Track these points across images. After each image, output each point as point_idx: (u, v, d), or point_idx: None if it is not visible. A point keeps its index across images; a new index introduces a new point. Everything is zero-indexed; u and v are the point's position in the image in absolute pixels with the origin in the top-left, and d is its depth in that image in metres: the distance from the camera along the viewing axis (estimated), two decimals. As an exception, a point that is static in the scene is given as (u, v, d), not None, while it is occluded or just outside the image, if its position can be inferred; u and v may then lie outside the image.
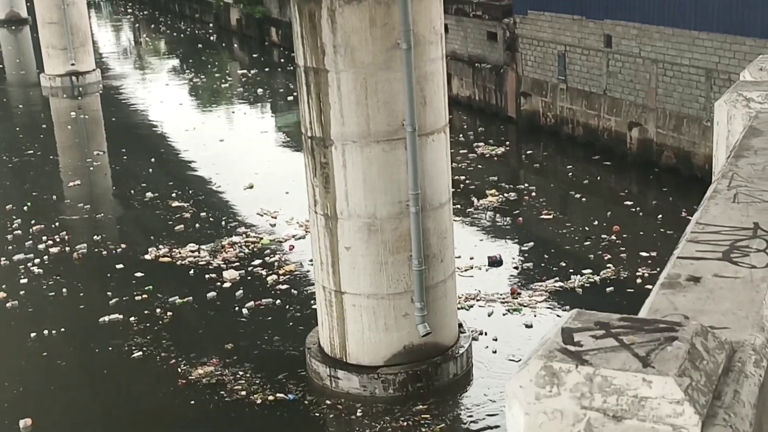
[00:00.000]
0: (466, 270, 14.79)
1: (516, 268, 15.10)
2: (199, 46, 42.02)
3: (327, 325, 11.63)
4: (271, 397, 11.48)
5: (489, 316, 13.42)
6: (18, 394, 12.12)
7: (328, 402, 11.35)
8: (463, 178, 19.97)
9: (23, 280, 15.65)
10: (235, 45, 42.48)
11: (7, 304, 14.68)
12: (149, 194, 20.00)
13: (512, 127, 24.13)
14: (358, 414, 11.08)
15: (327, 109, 10.59)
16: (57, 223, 18.39)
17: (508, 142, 23.06)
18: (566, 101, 22.18)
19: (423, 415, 10.94)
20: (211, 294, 14.64)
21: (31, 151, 24.56)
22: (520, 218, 17.48)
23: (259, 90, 31.56)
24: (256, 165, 21.77)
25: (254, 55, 38.94)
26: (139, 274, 15.49)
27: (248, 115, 29.06)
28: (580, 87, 21.65)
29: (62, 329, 13.69)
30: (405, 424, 10.83)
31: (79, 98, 31.44)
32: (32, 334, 13.51)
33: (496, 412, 11.05)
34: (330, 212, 11.01)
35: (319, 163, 10.91)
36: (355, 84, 10.37)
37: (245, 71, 35.20)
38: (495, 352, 12.47)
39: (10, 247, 17.14)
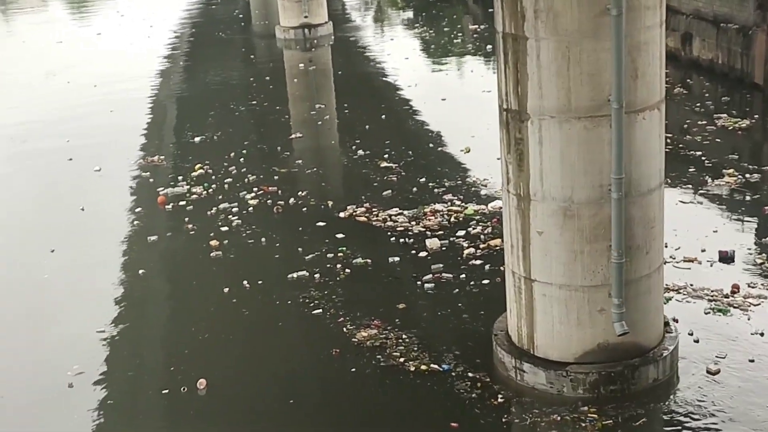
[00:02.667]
0: (682, 261, 13.31)
1: (748, 264, 13.34)
2: (433, -2, 41.51)
3: (515, 312, 10.75)
4: (424, 367, 11.11)
5: (687, 312, 11.97)
6: (202, 340, 12.42)
7: (470, 374, 10.88)
8: (698, 154, 18.14)
9: (224, 228, 15.98)
10: (470, -2, 41.55)
11: (211, 254, 15.00)
12: (360, 152, 19.76)
13: (758, 95, 21.71)
14: (509, 396, 10.45)
15: (524, 80, 9.58)
16: (271, 176, 18.61)
17: (755, 115, 20.70)
18: (824, 70, 19.56)
19: (590, 415, 9.99)
20: (394, 259, 14.22)
21: (256, 102, 25.15)
22: (767, 207, 15.46)
23: (489, 46, 30.54)
24: (476, 127, 20.87)
25: (489, 10, 37.80)
26: (334, 232, 15.34)
27: (475, 72, 28.22)
28: (843, 54, 19.00)
29: (259, 281, 13.81)
30: (558, 418, 9.97)
31: (312, 50, 31.90)
32: (225, 289, 13.66)
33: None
34: (523, 192, 10.05)
35: (514, 138, 9.96)
36: (556, 53, 9.28)
37: (477, 26, 34.28)
38: (697, 341, 11.28)
39: (220, 196, 17.55)
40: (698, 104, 21.60)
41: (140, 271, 14.70)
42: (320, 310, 12.76)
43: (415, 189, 17.31)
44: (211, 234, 15.76)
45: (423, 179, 17.77)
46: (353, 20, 38.52)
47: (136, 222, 16.96)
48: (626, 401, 10.17)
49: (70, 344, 12.55)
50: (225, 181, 18.41)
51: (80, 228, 16.90)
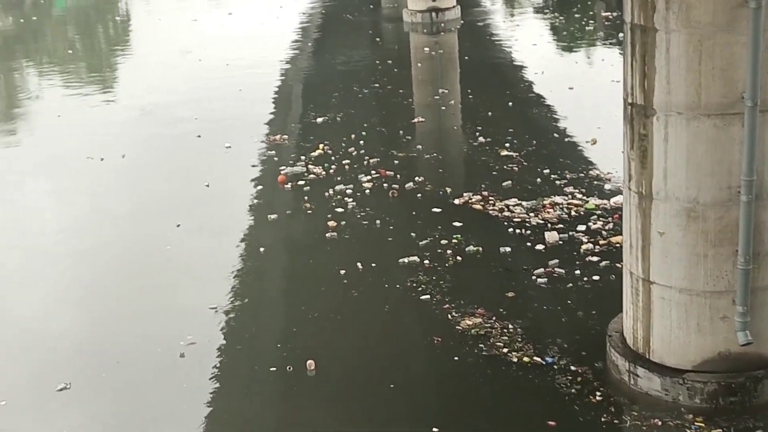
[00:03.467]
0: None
1: None
2: (566, -17, 40.63)
3: (631, 314, 10.38)
4: (527, 359, 10.97)
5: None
6: (311, 319, 12.53)
7: (572, 368, 10.68)
8: None
9: (339, 210, 16.12)
10: (605, -16, 40.48)
11: (327, 234, 15.14)
12: (482, 139, 19.52)
13: None
14: (608, 394, 10.20)
15: (651, 73, 9.18)
16: (390, 159, 18.60)
17: None
18: None
19: (696, 423, 9.58)
20: (506, 249, 14.04)
21: (379, 84, 25.18)
22: None
23: (621, 35, 29.61)
24: (603, 118, 20.27)
25: (624, -4, 36.76)
26: (449, 219, 15.23)
27: (606, 61, 27.42)
28: None
29: (372, 264, 13.85)
30: (660, 423, 9.61)
31: (441, 34, 31.75)
32: (342, 271, 13.73)
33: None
34: (645, 191, 9.67)
35: (638, 134, 9.58)
36: (687, 47, 8.85)
37: (609, 13, 33.34)
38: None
39: (338, 177, 17.68)
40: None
41: (260, 249, 14.96)
42: (428, 296, 12.72)
43: (538, 180, 16.95)
44: (329, 215, 15.89)
45: (546, 170, 17.39)
46: (482, 4, 38.09)
47: (256, 200, 17.27)
48: (745, 414, 9.70)
49: (186, 315, 12.85)
50: (344, 162, 18.53)
51: (205, 204, 17.31)
